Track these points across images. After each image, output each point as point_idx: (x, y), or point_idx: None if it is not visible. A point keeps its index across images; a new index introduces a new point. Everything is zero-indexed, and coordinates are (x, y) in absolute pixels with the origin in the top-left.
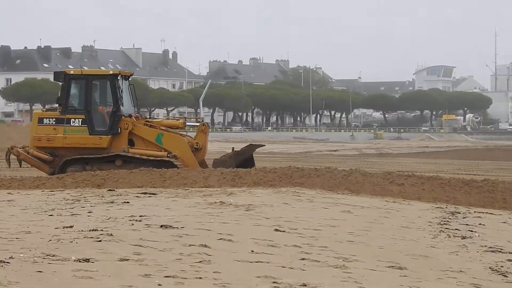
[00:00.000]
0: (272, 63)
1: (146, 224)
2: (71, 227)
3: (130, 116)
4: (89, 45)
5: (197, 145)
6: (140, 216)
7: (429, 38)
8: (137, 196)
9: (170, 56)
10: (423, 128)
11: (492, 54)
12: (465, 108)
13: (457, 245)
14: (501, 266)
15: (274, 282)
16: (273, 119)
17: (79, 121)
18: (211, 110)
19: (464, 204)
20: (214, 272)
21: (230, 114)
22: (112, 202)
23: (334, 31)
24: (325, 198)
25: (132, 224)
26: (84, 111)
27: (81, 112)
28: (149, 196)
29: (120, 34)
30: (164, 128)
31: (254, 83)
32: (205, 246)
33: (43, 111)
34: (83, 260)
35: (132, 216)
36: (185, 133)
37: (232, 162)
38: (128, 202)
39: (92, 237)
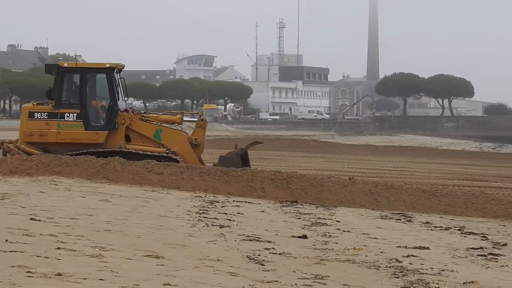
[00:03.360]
0: (31, 50)
1: None
2: None
3: (126, 111)
4: None
5: (195, 141)
6: None
7: (191, 27)
8: None
9: None
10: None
11: (253, 44)
12: (226, 98)
13: (215, 234)
14: (259, 255)
15: (28, 272)
16: None
17: (73, 115)
18: None
19: (223, 193)
20: None
21: None
22: None
23: (95, 18)
24: (83, 187)
25: None
26: (79, 106)
27: (76, 107)
28: None
29: None
30: (162, 124)
31: (13, 70)
32: None
33: (34, 105)
34: None
35: None
36: (180, 128)
37: (239, 159)
38: None
39: None
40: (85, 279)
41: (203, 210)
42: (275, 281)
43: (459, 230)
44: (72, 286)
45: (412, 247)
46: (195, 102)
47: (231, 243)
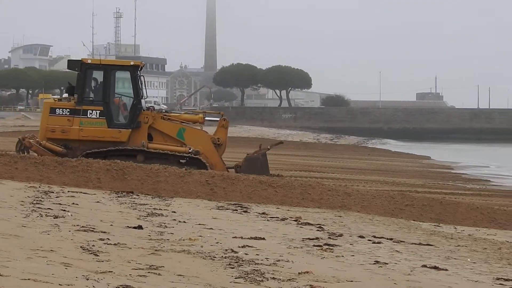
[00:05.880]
0: None
1: None
2: None
3: (149, 109)
4: None
5: (218, 141)
6: None
7: (27, 15)
8: None
9: None
10: (19, 107)
11: (90, 34)
12: (62, 88)
13: (49, 224)
14: (93, 245)
15: None
16: None
17: (96, 113)
18: None
19: (58, 183)
20: None
21: None
22: None
23: None
24: None
25: None
26: (102, 103)
27: (99, 104)
28: None
29: None
30: (185, 123)
31: None
32: None
33: (55, 100)
34: None
35: None
36: (200, 127)
37: (265, 159)
38: None
39: None
40: None
41: (37, 200)
42: (109, 271)
43: (295, 220)
44: None
45: (248, 238)
46: (30, 91)
47: (65, 233)
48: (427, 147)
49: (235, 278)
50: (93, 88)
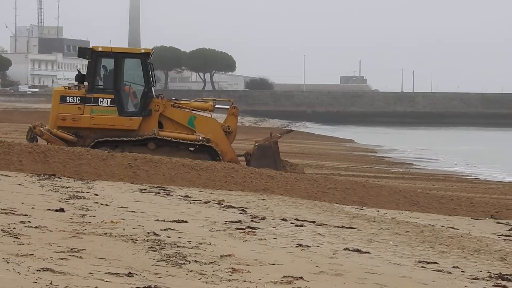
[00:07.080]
0: None
1: None
2: None
3: (158, 97)
4: None
5: (228, 129)
6: None
7: None
8: None
9: None
10: None
11: (12, 15)
12: None
13: None
14: (14, 228)
15: None
16: None
17: (107, 101)
18: None
19: None
20: None
21: None
22: None
23: None
24: None
25: None
26: (113, 91)
27: (110, 92)
28: None
29: None
30: (196, 111)
31: None
32: None
33: (65, 88)
34: None
35: None
36: (209, 115)
37: (277, 147)
38: None
39: None
40: None
41: None
42: (30, 254)
43: (218, 203)
44: None
45: (171, 221)
46: None
47: None
48: (351, 131)
49: (157, 261)
50: (103, 76)
